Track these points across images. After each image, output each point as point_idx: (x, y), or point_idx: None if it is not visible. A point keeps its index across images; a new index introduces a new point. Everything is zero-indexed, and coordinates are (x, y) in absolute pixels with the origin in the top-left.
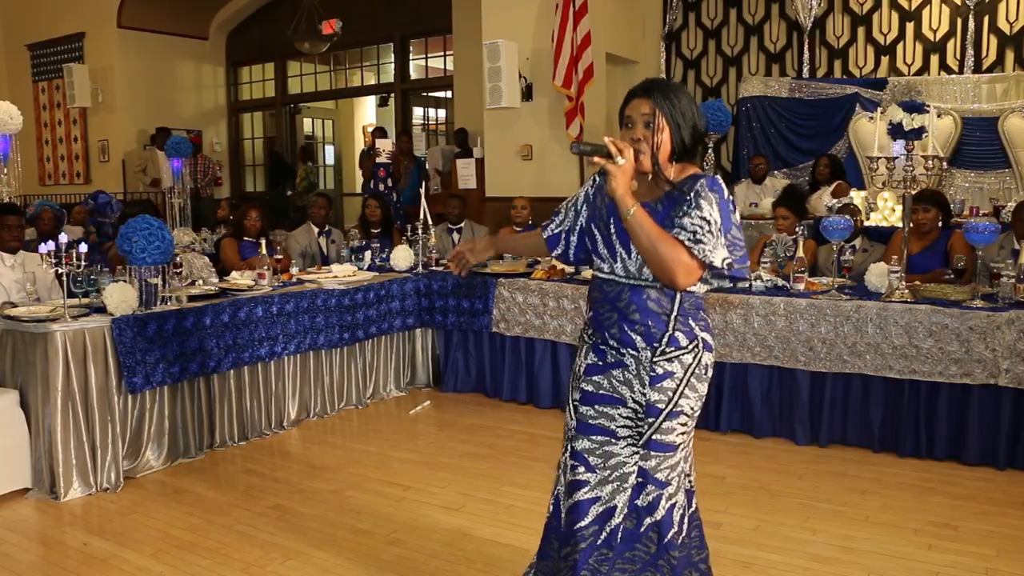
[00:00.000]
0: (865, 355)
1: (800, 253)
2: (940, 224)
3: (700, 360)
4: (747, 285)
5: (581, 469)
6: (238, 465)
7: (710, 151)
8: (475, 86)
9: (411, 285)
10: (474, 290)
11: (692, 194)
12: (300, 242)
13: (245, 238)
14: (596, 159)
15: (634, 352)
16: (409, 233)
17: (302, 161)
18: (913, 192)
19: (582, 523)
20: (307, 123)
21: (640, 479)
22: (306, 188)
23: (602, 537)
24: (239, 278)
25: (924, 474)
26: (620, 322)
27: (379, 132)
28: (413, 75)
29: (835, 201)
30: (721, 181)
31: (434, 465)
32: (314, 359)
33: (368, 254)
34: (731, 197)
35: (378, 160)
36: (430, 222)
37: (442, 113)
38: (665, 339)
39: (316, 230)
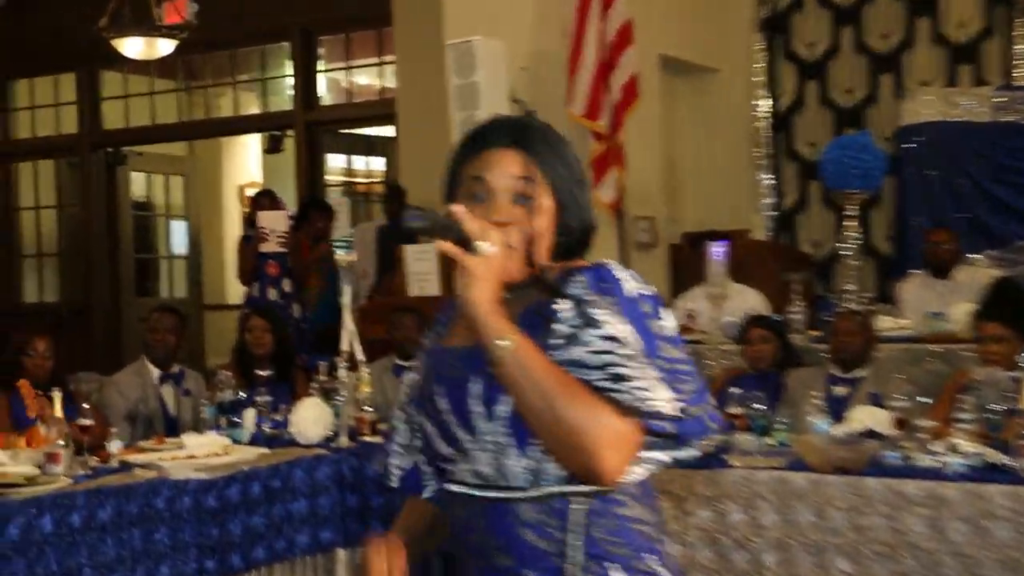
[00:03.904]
0: None
1: None
2: None
3: None
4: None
5: None
6: None
7: (849, 221)
8: (434, 116)
9: (327, 470)
10: None
11: (571, 304)
12: (126, 394)
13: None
14: (443, 246)
15: None
16: (323, 376)
17: None
18: None
19: None
20: (137, 180)
21: None
22: None
23: None
24: (8, 461)
25: None
26: (483, 572)
27: (266, 199)
28: (325, 98)
29: None
30: (613, 265)
31: None
32: None
33: (250, 414)
34: (650, 290)
35: (264, 249)
36: (361, 356)
37: (378, 163)
38: None
39: (156, 372)
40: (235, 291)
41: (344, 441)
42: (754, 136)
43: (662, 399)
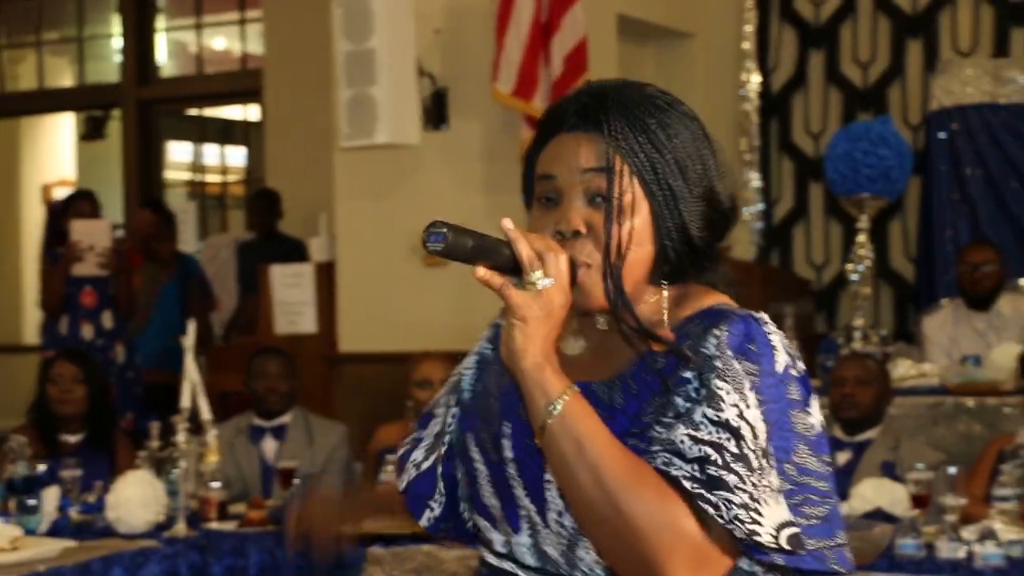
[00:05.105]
0: None
1: None
2: None
3: None
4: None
5: None
6: None
7: (861, 235)
8: (314, 94)
9: (157, 569)
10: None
11: (699, 361)
12: None
13: None
14: (480, 272)
15: None
16: (155, 442)
17: None
18: None
19: None
20: None
21: None
22: None
23: None
24: None
25: None
26: None
27: (83, 203)
28: (166, 67)
29: None
30: (770, 326)
31: None
32: None
33: (52, 494)
34: (801, 369)
35: (78, 271)
36: (207, 415)
37: (237, 155)
38: None
39: None
40: (34, 327)
41: (181, 529)
42: (738, 123)
43: (768, 521)
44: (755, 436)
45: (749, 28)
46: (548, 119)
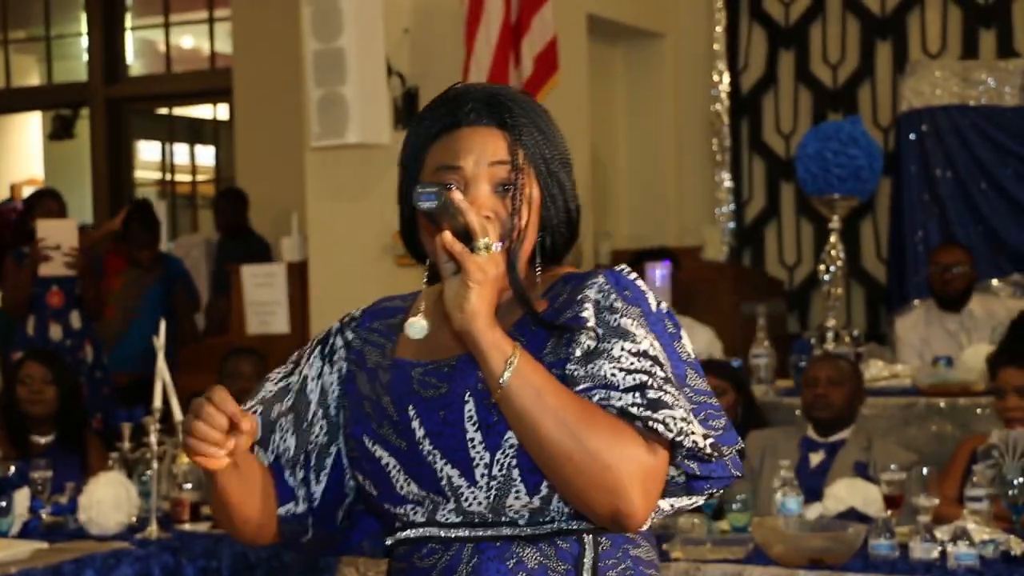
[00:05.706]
0: None
1: None
2: None
3: None
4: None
5: None
6: None
7: (833, 235)
8: (283, 93)
9: (130, 571)
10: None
11: (591, 307)
12: None
13: None
14: (448, 238)
15: None
16: (127, 443)
17: None
18: None
19: None
20: None
21: None
22: None
23: None
24: None
25: None
26: None
27: (47, 201)
28: (135, 66)
29: None
30: (633, 274)
31: None
32: None
33: (22, 495)
34: (664, 305)
35: (45, 272)
36: (179, 415)
37: (207, 154)
38: None
39: None
40: None
41: (154, 531)
42: (709, 123)
43: (698, 431)
44: (667, 364)
45: (719, 28)
46: (441, 114)
